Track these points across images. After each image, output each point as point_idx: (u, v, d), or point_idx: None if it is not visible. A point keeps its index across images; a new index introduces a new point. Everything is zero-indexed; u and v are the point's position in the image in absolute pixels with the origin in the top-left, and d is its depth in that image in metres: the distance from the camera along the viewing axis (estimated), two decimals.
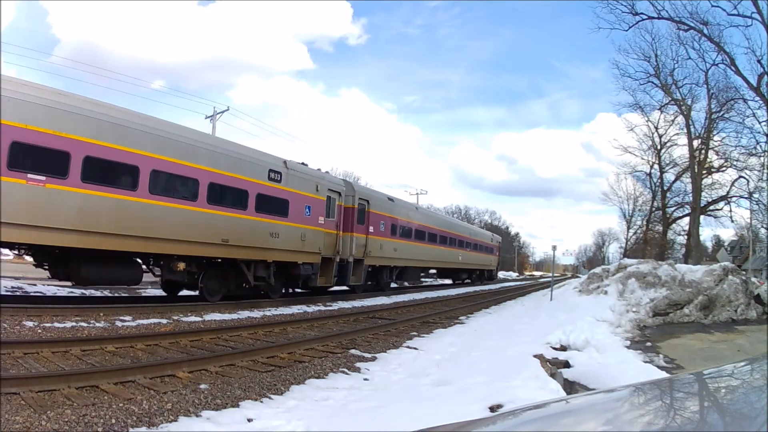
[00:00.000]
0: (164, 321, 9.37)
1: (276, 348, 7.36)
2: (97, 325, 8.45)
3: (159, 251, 10.68)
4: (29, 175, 8.55)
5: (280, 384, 5.74)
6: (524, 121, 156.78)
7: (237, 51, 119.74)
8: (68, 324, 8.17)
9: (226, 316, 10.58)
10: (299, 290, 15.78)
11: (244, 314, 11.13)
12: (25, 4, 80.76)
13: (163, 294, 13.14)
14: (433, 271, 28.51)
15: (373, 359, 7.47)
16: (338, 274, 15.92)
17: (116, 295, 13.98)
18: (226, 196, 11.85)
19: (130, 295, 14.01)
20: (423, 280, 25.57)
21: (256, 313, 11.40)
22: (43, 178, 8.72)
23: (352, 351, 7.83)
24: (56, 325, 8.02)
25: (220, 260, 12.19)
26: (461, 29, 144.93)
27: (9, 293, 11.47)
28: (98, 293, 13.81)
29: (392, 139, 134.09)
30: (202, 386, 5.29)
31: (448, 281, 32.92)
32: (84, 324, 8.34)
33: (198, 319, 10.02)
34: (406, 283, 24.27)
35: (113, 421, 4.11)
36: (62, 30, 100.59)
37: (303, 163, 14.95)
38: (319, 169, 16.77)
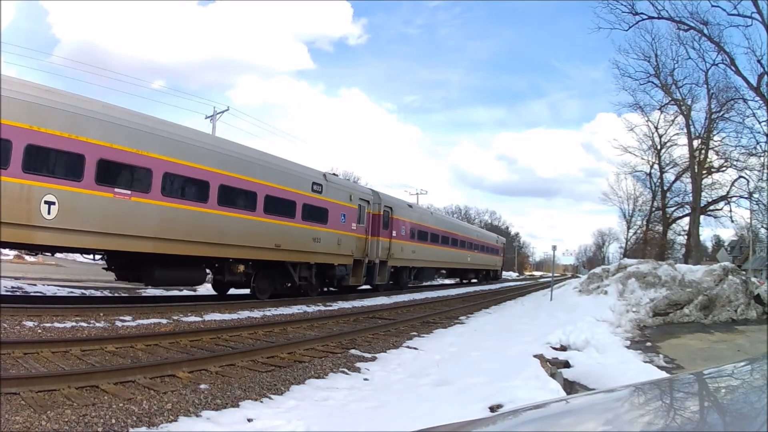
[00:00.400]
0: (164, 321, 9.37)
1: (276, 348, 7.36)
2: (97, 325, 8.45)
3: (224, 255, 12.07)
4: (116, 189, 9.71)
5: (280, 384, 5.74)
6: (524, 121, 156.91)
7: (237, 51, 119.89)
8: (68, 324, 8.17)
9: (226, 316, 10.57)
10: (332, 288, 17.09)
11: (244, 314, 11.12)
12: (25, 4, 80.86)
13: (168, 294, 13.93)
14: (443, 271, 30.00)
15: (373, 359, 7.47)
16: (366, 274, 17.42)
17: (116, 295, 13.97)
18: (278, 206, 13.34)
19: (130, 295, 14.01)
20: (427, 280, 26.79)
21: (256, 313, 11.40)
22: (128, 192, 9.93)
23: (352, 351, 7.82)
24: (56, 325, 8.02)
25: (270, 262, 13.51)
26: (461, 29, 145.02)
27: (9, 293, 11.47)
28: (98, 293, 13.80)
29: (392, 139, 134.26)
30: (202, 386, 5.29)
31: (449, 281, 33.51)
32: (84, 324, 8.33)
33: (198, 319, 10.02)
34: (424, 282, 25.81)
35: (113, 421, 4.11)
36: (62, 30, 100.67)
37: (334, 174, 16.59)
38: (351, 180, 19.93)
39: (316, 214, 14.69)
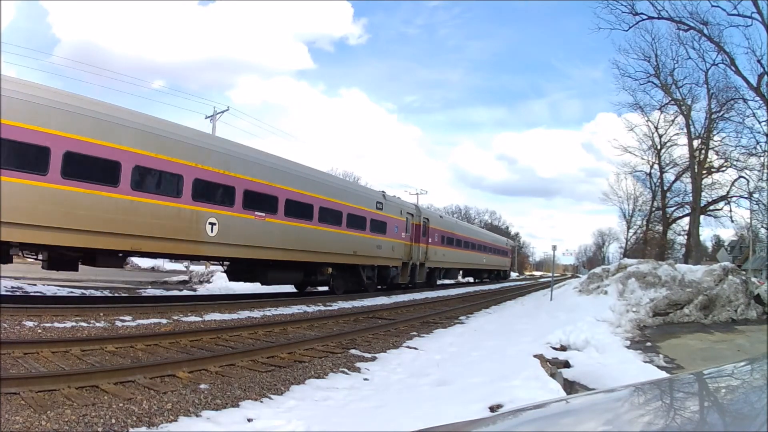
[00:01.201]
0: (164, 321, 9.37)
1: (276, 348, 7.36)
2: (97, 325, 8.45)
3: (320, 260, 15.70)
4: (256, 213, 12.81)
5: (280, 384, 5.74)
6: (524, 121, 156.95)
7: (237, 51, 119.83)
8: (68, 324, 8.17)
9: (226, 316, 10.57)
10: (384, 286, 20.52)
11: (244, 314, 11.13)
12: (25, 4, 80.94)
13: (168, 294, 14.52)
14: (460, 270, 33.47)
15: (373, 359, 7.46)
16: (409, 274, 21.30)
17: (116, 295, 13.97)
18: (355, 221, 17.01)
19: (129, 295, 14.01)
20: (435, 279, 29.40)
21: (256, 313, 11.40)
22: (263, 214, 13.06)
23: (352, 351, 7.82)
24: (56, 325, 8.02)
25: (346, 265, 17.08)
26: (461, 29, 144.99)
27: (9, 293, 11.47)
28: (98, 293, 13.80)
29: (392, 139, 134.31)
30: (202, 386, 5.29)
31: (448, 281, 34.19)
32: (84, 324, 8.33)
33: (198, 319, 10.02)
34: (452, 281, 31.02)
35: (113, 421, 4.11)
36: (62, 30, 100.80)
37: (382, 192, 20.27)
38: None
39: (378, 226, 18.53)
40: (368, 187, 19.73)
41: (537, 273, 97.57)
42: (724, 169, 29.08)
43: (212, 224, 11.46)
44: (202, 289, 17.41)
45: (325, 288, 17.47)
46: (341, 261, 16.43)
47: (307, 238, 14.53)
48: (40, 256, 10.33)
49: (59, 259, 9.94)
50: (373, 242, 18.07)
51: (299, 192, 14.30)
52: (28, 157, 8.44)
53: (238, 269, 14.09)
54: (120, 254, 10.77)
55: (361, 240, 17.30)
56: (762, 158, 25.82)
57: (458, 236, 27.98)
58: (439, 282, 27.30)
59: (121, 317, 9.22)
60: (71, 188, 8.93)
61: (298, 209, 14.26)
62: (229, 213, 11.92)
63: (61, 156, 8.78)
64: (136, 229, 9.99)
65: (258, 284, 14.66)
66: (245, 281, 14.72)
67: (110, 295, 13.86)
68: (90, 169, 9.26)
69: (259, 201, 12.84)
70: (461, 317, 13.44)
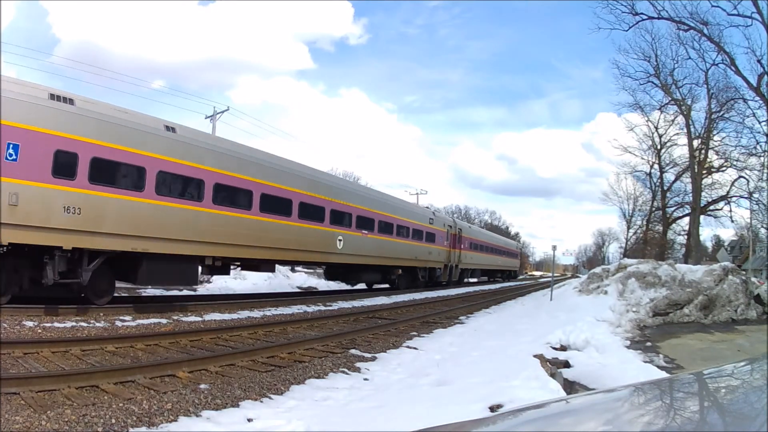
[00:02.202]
0: (164, 321, 9.37)
1: (276, 348, 7.36)
2: (97, 325, 8.45)
3: (394, 264, 20.52)
4: (363, 231, 17.60)
5: (280, 384, 5.74)
6: (524, 121, 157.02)
7: (237, 51, 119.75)
8: (68, 324, 8.17)
9: (226, 316, 10.57)
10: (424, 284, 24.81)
11: (244, 314, 11.12)
12: (25, 4, 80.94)
13: (168, 294, 14.50)
14: (478, 270, 38.24)
15: (373, 359, 7.46)
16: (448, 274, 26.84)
17: (116, 295, 13.95)
18: (416, 234, 22.25)
19: (130, 295, 14.00)
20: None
21: (256, 313, 11.40)
22: (366, 231, 18.00)
23: (352, 351, 7.82)
24: (56, 325, 8.02)
25: (409, 267, 22.05)
26: (461, 29, 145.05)
27: None
28: None
29: (392, 139, 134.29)
30: (202, 386, 5.29)
31: (473, 279, 38.58)
32: (84, 324, 8.34)
33: (198, 319, 10.02)
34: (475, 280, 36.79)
35: (113, 421, 4.11)
36: (62, 30, 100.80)
37: (432, 210, 26.58)
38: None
39: (430, 237, 23.74)
40: (424, 207, 28.05)
41: (537, 273, 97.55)
42: (724, 169, 29.08)
43: (340, 240, 16.34)
44: (202, 289, 17.39)
45: (386, 285, 22.00)
46: (407, 264, 21.64)
47: (388, 248, 19.59)
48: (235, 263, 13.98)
49: (248, 265, 14.28)
50: (427, 249, 23.49)
51: (386, 215, 19.48)
52: (235, 198, 12.28)
53: (336, 272, 19.36)
54: (276, 263, 15.50)
55: (420, 248, 22.74)
56: (762, 158, 25.82)
57: (481, 242, 34.47)
58: (465, 280, 32.82)
59: (121, 317, 9.22)
60: (265, 219, 13.07)
61: (385, 227, 19.38)
62: (348, 232, 16.83)
63: (259, 196, 12.82)
64: (301, 246, 14.56)
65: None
66: (341, 281, 20.35)
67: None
68: (275, 205, 13.41)
69: (363, 223, 17.75)
70: (461, 317, 13.44)
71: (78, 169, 9.02)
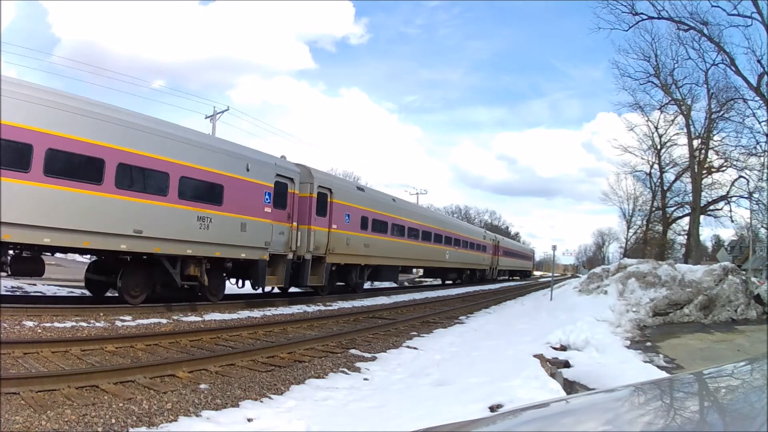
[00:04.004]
0: (164, 321, 9.37)
1: (276, 348, 7.36)
2: (97, 325, 8.45)
3: (463, 267, 30.17)
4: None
5: (280, 384, 5.74)
6: (524, 121, 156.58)
7: (238, 51, 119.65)
8: (68, 324, 8.16)
9: (226, 316, 10.57)
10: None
11: (244, 314, 11.13)
12: (25, 4, 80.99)
13: (167, 294, 14.78)
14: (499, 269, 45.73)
15: (373, 359, 7.47)
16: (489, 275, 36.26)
17: (116, 295, 13.93)
18: (476, 247, 31.39)
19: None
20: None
21: (256, 313, 11.40)
22: (454, 248, 27.09)
23: (352, 351, 7.82)
24: (56, 325, 8.02)
25: (470, 269, 31.14)
26: (461, 29, 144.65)
27: (9, 293, 11.46)
28: None
29: (393, 139, 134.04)
30: (202, 386, 5.29)
31: (502, 278, 45.99)
32: (84, 324, 8.33)
33: (198, 319, 10.02)
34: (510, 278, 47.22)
35: (113, 421, 4.11)
36: (62, 30, 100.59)
37: (485, 228, 36.87)
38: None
39: (481, 248, 32.88)
40: (475, 227, 38.86)
41: (537, 273, 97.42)
42: (724, 169, 29.06)
43: (447, 254, 25.71)
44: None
45: (450, 282, 31.29)
46: (470, 267, 31.55)
47: (464, 258, 29.18)
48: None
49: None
50: (482, 257, 33.43)
51: (464, 236, 28.96)
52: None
53: (435, 272, 30.61)
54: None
55: (479, 257, 32.49)
56: (762, 158, 25.79)
57: (510, 249, 44.56)
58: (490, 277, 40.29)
59: (121, 317, 9.21)
60: (411, 242, 21.41)
61: (463, 244, 28.49)
62: (446, 248, 25.36)
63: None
64: (428, 257, 23.50)
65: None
66: (436, 278, 31.92)
67: (110, 295, 13.82)
68: (419, 235, 22.01)
69: (454, 242, 26.77)
70: (461, 317, 13.44)
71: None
